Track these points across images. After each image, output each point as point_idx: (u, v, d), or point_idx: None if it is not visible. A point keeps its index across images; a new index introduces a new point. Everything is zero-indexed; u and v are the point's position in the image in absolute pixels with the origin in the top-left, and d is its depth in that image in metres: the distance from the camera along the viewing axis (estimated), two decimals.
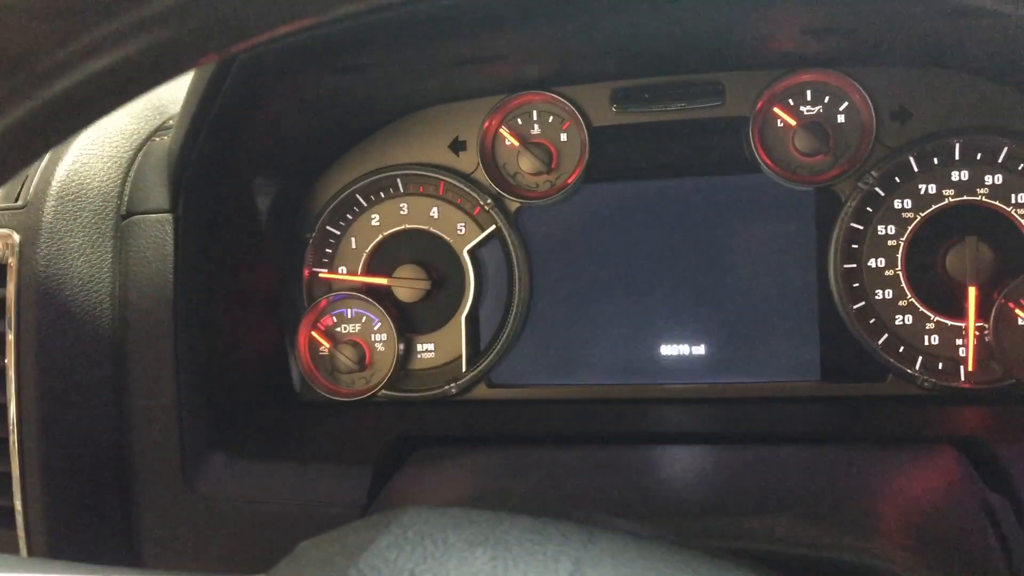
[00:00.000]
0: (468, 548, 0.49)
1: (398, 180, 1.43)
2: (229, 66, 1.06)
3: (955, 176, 1.27)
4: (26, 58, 0.43)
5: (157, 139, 1.28)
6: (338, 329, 1.45)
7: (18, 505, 1.18)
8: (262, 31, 0.46)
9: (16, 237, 1.18)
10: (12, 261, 1.18)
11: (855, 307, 1.30)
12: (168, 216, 1.21)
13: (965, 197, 1.27)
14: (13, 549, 1.19)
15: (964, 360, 1.27)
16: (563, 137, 1.38)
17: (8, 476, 1.17)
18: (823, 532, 0.78)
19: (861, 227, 1.30)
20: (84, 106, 0.48)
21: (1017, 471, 0.98)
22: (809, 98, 1.31)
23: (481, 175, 1.40)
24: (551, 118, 1.39)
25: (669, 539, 0.61)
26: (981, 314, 1.25)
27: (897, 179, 1.29)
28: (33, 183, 1.20)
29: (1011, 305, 1.24)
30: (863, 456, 1.03)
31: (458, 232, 1.42)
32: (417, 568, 0.47)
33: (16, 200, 1.21)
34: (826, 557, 0.74)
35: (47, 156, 1.21)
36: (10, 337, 1.16)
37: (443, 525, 0.52)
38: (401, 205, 1.43)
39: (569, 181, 1.37)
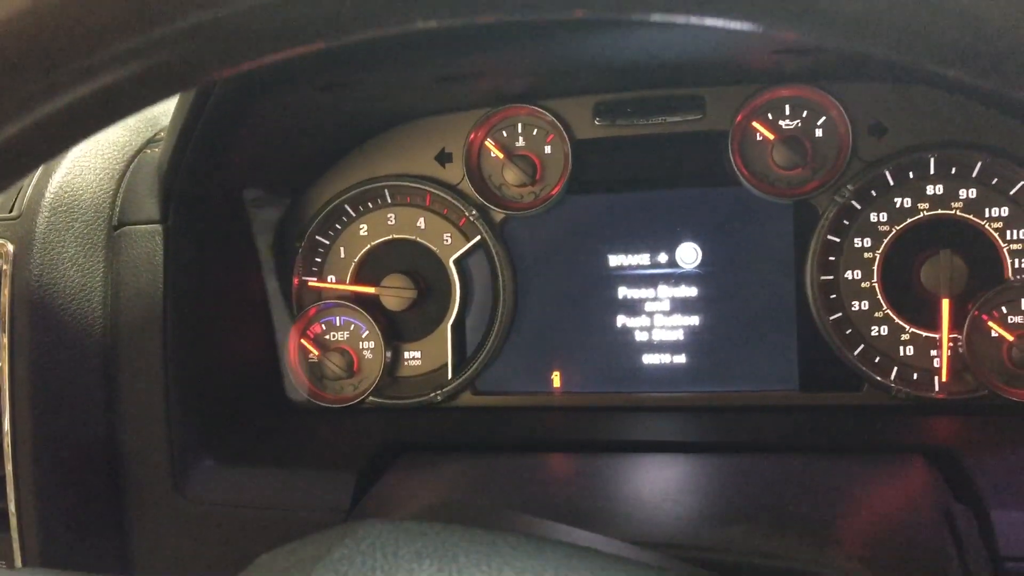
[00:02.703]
0: (416, 559, 0.52)
1: (385, 191, 1.45)
2: (214, 82, 1.09)
3: (930, 190, 1.29)
4: (24, 75, 0.45)
5: (148, 151, 1.30)
6: (327, 337, 1.47)
7: (12, 507, 1.20)
8: (261, 55, 0.48)
9: (10, 247, 1.20)
10: (6, 269, 1.20)
11: (832, 318, 1.32)
12: (158, 227, 1.23)
13: (940, 211, 1.29)
14: (7, 551, 1.22)
15: (938, 371, 1.29)
16: (547, 149, 1.41)
17: (2, 480, 1.20)
18: (777, 541, 0.81)
19: (838, 240, 1.32)
20: (77, 124, 0.50)
21: (983, 482, 1.00)
22: (788, 112, 1.33)
23: (467, 186, 1.42)
24: (535, 131, 1.41)
25: (618, 549, 0.63)
26: (955, 326, 1.27)
27: (873, 192, 1.31)
28: (27, 194, 1.23)
29: (984, 317, 1.27)
30: (831, 465, 1.05)
31: (444, 242, 1.44)
32: None
33: (11, 211, 1.24)
34: (776, 567, 0.76)
35: (40, 168, 1.24)
36: (4, 342, 1.19)
37: (395, 538, 0.54)
38: (388, 216, 1.46)
39: (553, 193, 1.40)
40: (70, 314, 1.21)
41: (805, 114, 1.33)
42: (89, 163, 1.26)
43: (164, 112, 1.34)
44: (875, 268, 1.31)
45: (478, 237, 1.42)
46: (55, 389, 1.19)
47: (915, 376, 1.31)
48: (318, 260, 1.48)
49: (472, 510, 0.81)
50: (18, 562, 1.20)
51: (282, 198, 1.45)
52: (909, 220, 1.30)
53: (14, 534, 1.20)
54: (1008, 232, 1.27)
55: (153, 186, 1.24)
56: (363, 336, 1.46)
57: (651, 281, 1.39)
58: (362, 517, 0.89)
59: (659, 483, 1.04)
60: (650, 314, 1.39)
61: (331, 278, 1.48)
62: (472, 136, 1.41)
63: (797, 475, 1.04)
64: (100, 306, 1.23)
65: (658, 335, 1.39)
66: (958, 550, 0.89)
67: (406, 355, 1.47)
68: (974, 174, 1.28)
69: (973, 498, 0.99)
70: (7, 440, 1.19)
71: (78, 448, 1.22)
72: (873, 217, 1.31)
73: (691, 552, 0.78)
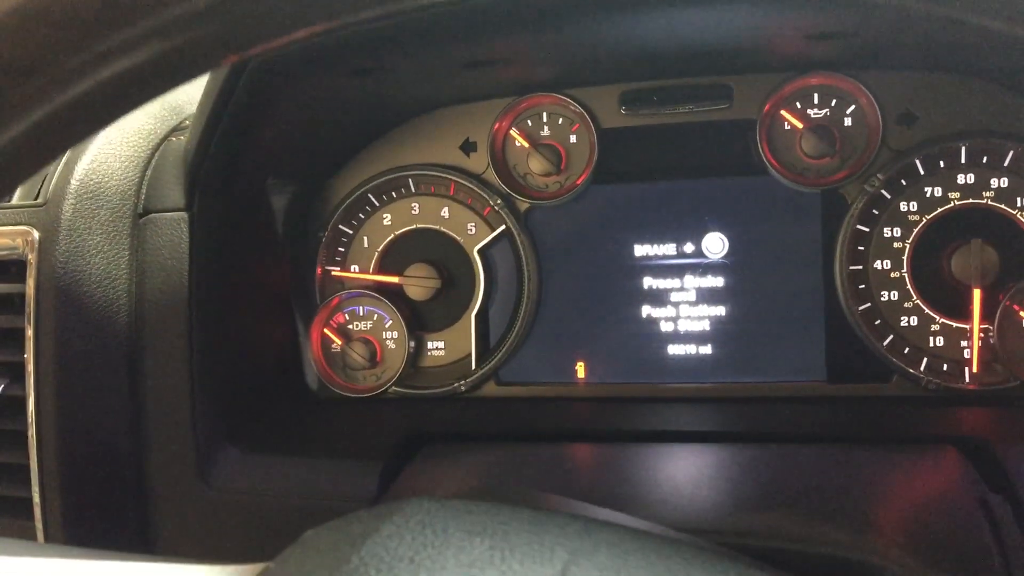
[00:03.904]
0: (467, 537, 0.51)
1: (410, 180, 1.45)
2: (242, 68, 1.08)
3: (961, 179, 1.28)
4: (44, 62, 0.45)
5: (174, 139, 1.30)
6: (350, 326, 1.47)
7: (36, 497, 1.20)
8: (278, 36, 0.48)
9: (36, 234, 1.20)
10: (32, 258, 1.20)
11: (860, 308, 1.31)
12: (184, 215, 1.23)
13: (971, 200, 1.28)
14: (31, 539, 1.22)
15: (968, 362, 1.28)
16: (572, 139, 1.40)
17: (26, 468, 1.20)
18: (818, 528, 0.80)
19: (867, 229, 1.31)
20: (98, 110, 0.50)
21: (1018, 472, 0.99)
22: (816, 101, 1.32)
23: (491, 176, 1.42)
24: (560, 120, 1.40)
25: (665, 533, 0.62)
26: (986, 316, 1.26)
27: (903, 182, 1.30)
28: (52, 182, 1.23)
29: (1016, 307, 1.25)
30: (864, 456, 1.04)
31: (468, 232, 1.44)
32: (417, 556, 0.49)
33: (36, 198, 1.24)
34: (820, 553, 0.75)
35: (66, 155, 1.24)
36: (29, 332, 1.19)
37: (444, 515, 0.53)
38: (413, 205, 1.45)
39: (578, 182, 1.39)
40: (95, 302, 1.21)
41: (834, 103, 1.32)
42: (115, 151, 1.26)
43: (190, 100, 1.34)
44: (905, 258, 1.30)
45: (503, 227, 1.41)
46: (79, 378, 1.19)
47: (945, 367, 1.30)
48: (341, 249, 1.47)
49: (513, 492, 0.80)
50: None
51: (307, 187, 1.45)
52: (940, 210, 1.29)
53: (38, 524, 1.20)
54: None
55: (179, 174, 1.24)
56: (386, 326, 1.45)
57: (677, 271, 1.38)
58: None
59: (691, 471, 1.03)
60: (676, 304, 1.39)
61: (354, 268, 1.47)
62: (497, 125, 1.40)
63: (830, 465, 1.02)
64: (125, 294, 1.23)
65: (684, 326, 1.38)
66: (996, 539, 0.88)
67: (429, 345, 1.46)
68: (1006, 163, 1.27)
69: (1008, 488, 0.98)
70: (32, 430, 1.19)
71: (102, 437, 1.22)
72: (903, 207, 1.30)
73: (734, 538, 0.77)
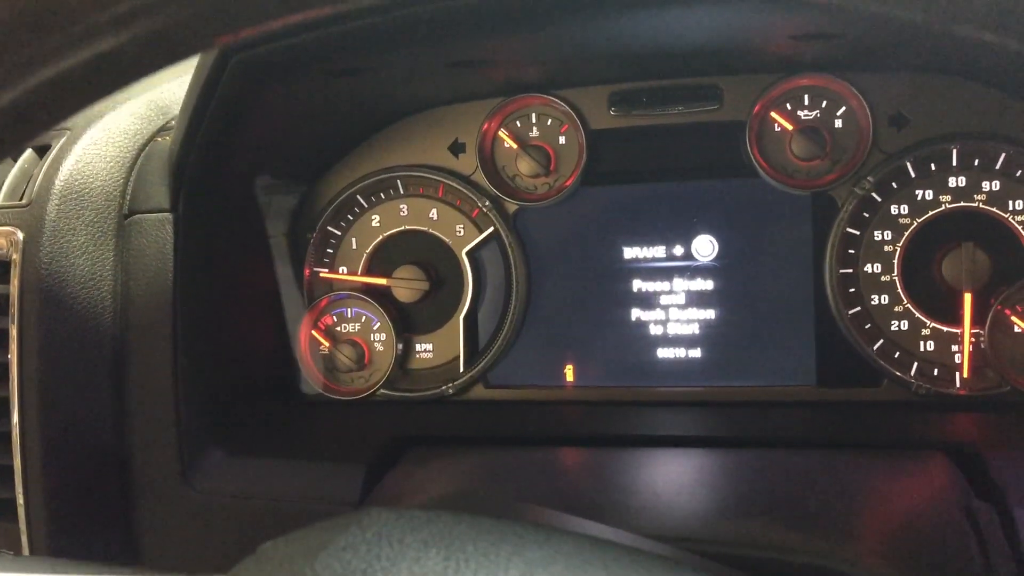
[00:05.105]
0: (422, 548, 0.50)
1: (398, 181, 1.44)
2: (224, 67, 1.07)
3: (952, 182, 1.27)
4: (39, 29, 0.44)
5: (159, 139, 1.29)
6: (338, 328, 1.46)
7: (20, 498, 1.20)
8: (261, 20, 0.47)
9: (20, 235, 1.20)
10: (16, 258, 1.19)
11: (851, 312, 1.30)
12: (168, 216, 1.22)
13: (962, 203, 1.27)
14: (15, 541, 1.21)
15: (959, 367, 1.27)
16: (561, 140, 1.39)
17: (10, 469, 1.19)
18: (794, 536, 0.79)
19: (857, 232, 1.30)
20: (81, 88, 0.49)
21: (1006, 479, 0.98)
22: (806, 103, 1.31)
23: (480, 177, 1.41)
24: (549, 121, 1.39)
25: (633, 542, 0.61)
26: (977, 320, 1.25)
27: (894, 184, 1.29)
28: (37, 182, 1.22)
29: (1007, 312, 1.24)
30: (852, 462, 1.03)
31: (457, 233, 1.43)
32: (370, 568, 0.48)
33: (21, 198, 1.23)
34: (793, 561, 0.75)
35: (51, 155, 1.24)
36: (13, 332, 1.18)
37: (401, 526, 0.53)
38: (401, 206, 1.44)
39: (567, 184, 1.38)
40: (80, 303, 1.20)
41: (824, 104, 1.31)
42: (100, 151, 1.25)
43: (175, 100, 1.33)
44: (895, 261, 1.29)
45: (491, 228, 1.41)
46: (64, 379, 1.18)
47: (935, 372, 1.29)
48: (330, 251, 1.47)
49: (481, 501, 0.79)
50: (26, 552, 1.19)
51: (294, 187, 1.44)
52: (931, 212, 1.28)
53: (22, 525, 1.20)
54: None
55: (164, 174, 1.23)
56: (374, 328, 1.45)
57: (666, 274, 1.37)
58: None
59: (674, 477, 1.03)
60: (665, 307, 1.37)
61: (343, 269, 1.46)
62: (486, 126, 1.39)
63: (815, 471, 1.01)
64: (110, 295, 1.22)
65: (673, 329, 1.37)
66: (980, 547, 0.87)
67: (417, 347, 1.45)
68: (997, 166, 1.25)
69: (995, 496, 0.97)
70: (15, 431, 1.18)
71: (87, 439, 1.21)
72: (894, 209, 1.29)
73: (708, 546, 0.76)
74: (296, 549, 0.52)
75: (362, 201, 1.45)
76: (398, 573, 0.48)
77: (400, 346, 1.43)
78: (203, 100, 1.11)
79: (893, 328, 1.30)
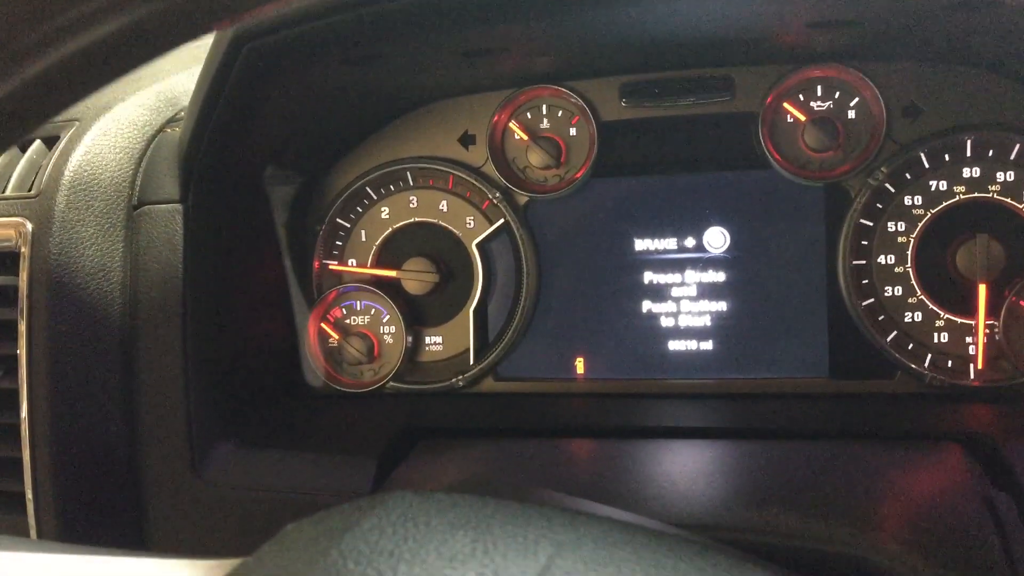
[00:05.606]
0: (449, 530, 0.50)
1: (408, 173, 1.43)
2: (237, 56, 1.06)
3: (966, 173, 1.26)
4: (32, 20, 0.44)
5: (169, 130, 1.29)
6: (347, 321, 1.45)
7: (29, 492, 1.19)
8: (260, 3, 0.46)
9: (29, 226, 1.19)
10: (25, 250, 1.19)
11: (864, 304, 1.29)
12: (178, 207, 1.22)
13: (976, 194, 1.26)
14: (24, 534, 1.21)
15: (973, 358, 1.26)
16: (572, 131, 1.38)
17: (19, 462, 1.19)
18: (818, 525, 0.78)
19: (871, 223, 1.29)
20: (78, 77, 0.48)
21: (1022, 469, 0.97)
22: (819, 93, 1.30)
23: (490, 169, 1.40)
24: (560, 112, 1.39)
25: (653, 526, 0.61)
26: (991, 312, 1.24)
27: (908, 175, 1.28)
28: (46, 173, 1.22)
29: (1022, 303, 1.23)
30: (867, 452, 1.02)
31: (467, 225, 1.42)
32: (397, 549, 0.48)
33: (29, 190, 1.22)
34: (819, 549, 0.74)
35: (60, 146, 1.23)
36: (22, 325, 1.18)
37: (427, 509, 0.52)
38: (411, 198, 1.43)
39: (578, 175, 1.37)
40: (89, 295, 1.19)
41: (837, 95, 1.30)
42: (109, 142, 1.25)
43: (185, 91, 1.33)
44: (909, 253, 1.28)
45: (501, 220, 1.40)
46: (73, 371, 1.18)
47: (949, 363, 1.28)
48: (339, 243, 1.46)
49: (501, 486, 0.78)
50: None
51: (293, 178, 1.43)
52: (944, 203, 1.27)
53: (31, 519, 1.19)
54: None
55: (173, 165, 1.22)
56: (384, 320, 1.44)
57: (678, 266, 1.36)
58: None
59: (690, 467, 1.02)
60: (677, 299, 1.37)
61: (352, 261, 1.46)
62: (496, 118, 1.39)
63: (832, 461, 1.01)
64: (119, 287, 1.22)
65: (685, 321, 1.37)
66: (1000, 536, 0.86)
67: (427, 340, 1.45)
68: (1012, 156, 1.25)
69: (1012, 485, 0.96)
70: (24, 424, 1.18)
71: (95, 431, 1.21)
72: (907, 200, 1.28)
73: (730, 533, 0.76)
74: (321, 530, 0.51)
75: (371, 193, 1.44)
76: (426, 555, 0.47)
77: (410, 339, 1.42)
78: (215, 89, 1.11)
79: (907, 320, 1.29)
